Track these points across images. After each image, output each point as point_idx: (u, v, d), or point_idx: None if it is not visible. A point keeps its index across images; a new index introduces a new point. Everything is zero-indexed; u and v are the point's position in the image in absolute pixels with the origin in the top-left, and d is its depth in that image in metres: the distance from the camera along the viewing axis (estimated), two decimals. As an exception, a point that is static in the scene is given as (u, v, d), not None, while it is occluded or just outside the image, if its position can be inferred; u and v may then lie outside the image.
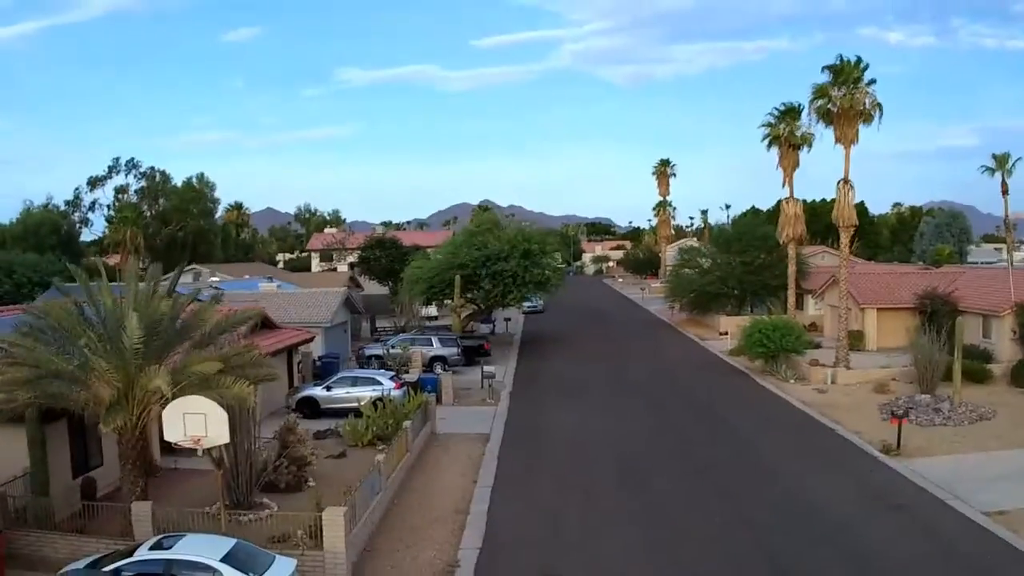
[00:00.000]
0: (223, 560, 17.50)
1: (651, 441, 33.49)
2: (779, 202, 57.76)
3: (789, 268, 58.17)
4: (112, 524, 21.46)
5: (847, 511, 24.59)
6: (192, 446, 19.21)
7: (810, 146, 55.93)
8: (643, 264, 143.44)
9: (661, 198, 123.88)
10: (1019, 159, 74.14)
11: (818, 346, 51.57)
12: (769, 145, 57.34)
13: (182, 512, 21.30)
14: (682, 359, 56.54)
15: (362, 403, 33.59)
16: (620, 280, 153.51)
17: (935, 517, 23.75)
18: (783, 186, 57.08)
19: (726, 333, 61.68)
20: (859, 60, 45.77)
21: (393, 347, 48.81)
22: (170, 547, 18.05)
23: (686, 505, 25.41)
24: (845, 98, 45.86)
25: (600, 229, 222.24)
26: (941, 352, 39.47)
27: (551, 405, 40.73)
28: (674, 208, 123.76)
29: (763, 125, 56.90)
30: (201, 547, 18.04)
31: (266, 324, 39.08)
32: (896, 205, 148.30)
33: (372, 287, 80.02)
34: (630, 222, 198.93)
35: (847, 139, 46.93)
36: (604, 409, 39.46)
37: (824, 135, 48.70)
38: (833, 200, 49.83)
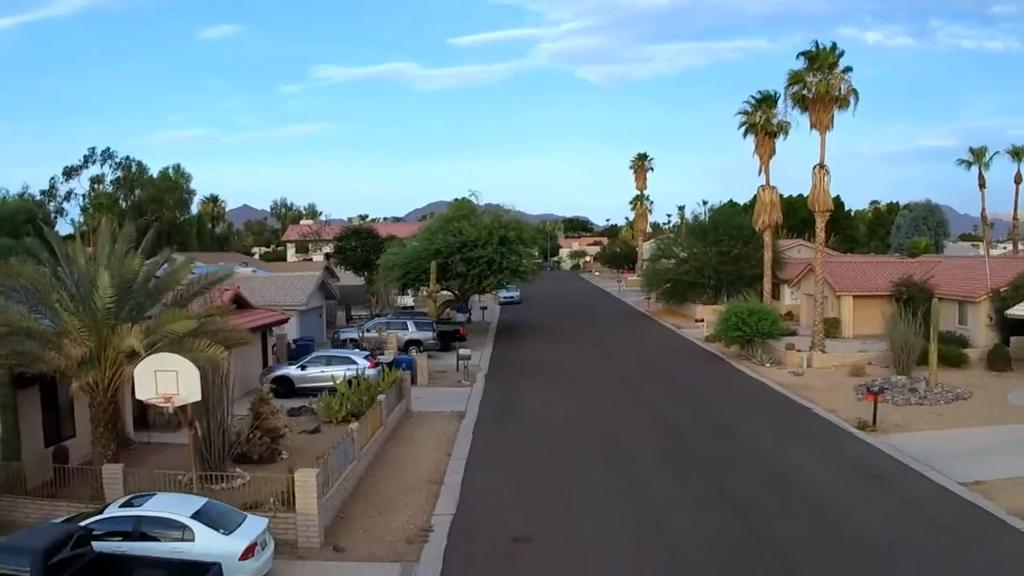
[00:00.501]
0: (193, 517, 17.28)
1: (627, 419, 33.48)
2: (756, 191, 57.27)
3: (765, 255, 58.18)
4: (83, 490, 21.26)
5: (824, 481, 24.67)
6: (163, 404, 18.97)
7: (786, 134, 56.01)
8: (620, 258, 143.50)
9: (638, 192, 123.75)
10: (996, 153, 74.90)
11: (794, 334, 51.68)
12: (745, 133, 57.36)
13: (154, 475, 21.08)
14: (658, 345, 56.63)
15: (337, 382, 33.27)
16: (597, 274, 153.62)
17: (912, 487, 23.79)
18: (759, 174, 57.12)
19: (702, 320, 61.76)
20: (834, 46, 45.95)
21: (368, 330, 48.57)
22: (140, 505, 17.78)
23: (662, 477, 25.40)
24: (821, 84, 46.00)
25: (577, 226, 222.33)
26: (917, 335, 39.52)
27: (527, 387, 40.65)
28: (651, 202, 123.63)
29: (739, 113, 56.96)
30: (171, 504, 17.84)
31: (241, 304, 38.76)
32: (874, 202, 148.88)
33: (348, 278, 79.64)
34: (607, 219, 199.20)
35: (822, 125, 47.12)
36: (580, 391, 39.39)
37: (800, 123, 49.10)
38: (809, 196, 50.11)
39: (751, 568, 18.61)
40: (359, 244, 78.26)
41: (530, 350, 53.53)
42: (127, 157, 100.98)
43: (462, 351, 44.38)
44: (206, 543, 16.73)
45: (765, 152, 56.92)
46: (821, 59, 45.83)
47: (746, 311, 47.84)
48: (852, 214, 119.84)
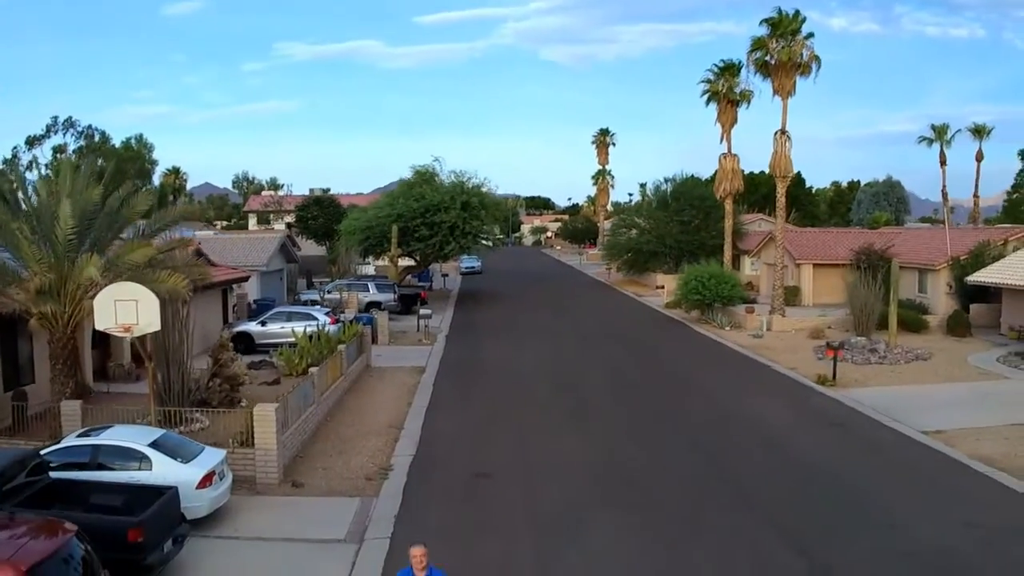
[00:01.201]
0: (150, 446, 17.09)
1: (585, 373, 33.58)
2: (718, 160, 57.45)
3: (726, 223, 58.42)
4: (43, 433, 21.00)
5: (784, 426, 24.99)
6: (122, 334, 18.70)
7: (748, 103, 56.31)
8: (581, 233, 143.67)
9: (600, 167, 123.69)
10: (958, 131, 75.43)
11: (754, 302, 52.01)
12: (708, 101, 57.60)
13: (113, 412, 20.90)
14: (618, 310, 56.85)
15: (297, 337, 33.07)
16: (559, 248, 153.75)
17: (875, 434, 24.03)
18: (721, 142, 57.34)
19: (662, 287, 62.04)
20: (797, 13, 46.17)
21: (329, 291, 48.30)
22: (97, 436, 17.58)
23: (619, 422, 25.54)
24: (783, 51, 46.29)
25: (539, 204, 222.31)
26: (877, 298, 39.86)
27: (487, 346, 40.72)
28: (613, 178, 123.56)
29: (702, 81, 57.11)
30: (128, 435, 17.67)
31: (204, 260, 38.32)
32: (835, 182, 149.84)
33: (309, 248, 79.05)
34: (569, 199, 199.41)
35: (784, 91, 47.43)
36: (539, 349, 39.42)
37: (763, 92, 49.32)
38: (772, 175, 50.40)
39: (705, 493, 18.87)
40: (320, 213, 77.63)
41: (491, 315, 53.54)
42: (89, 126, 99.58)
43: (423, 311, 44.31)
44: (163, 471, 16.56)
45: (727, 120, 57.10)
46: (784, 25, 46.06)
47: (706, 275, 48.06)
48: (813, 191, 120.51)
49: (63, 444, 17.35)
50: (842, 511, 17.68)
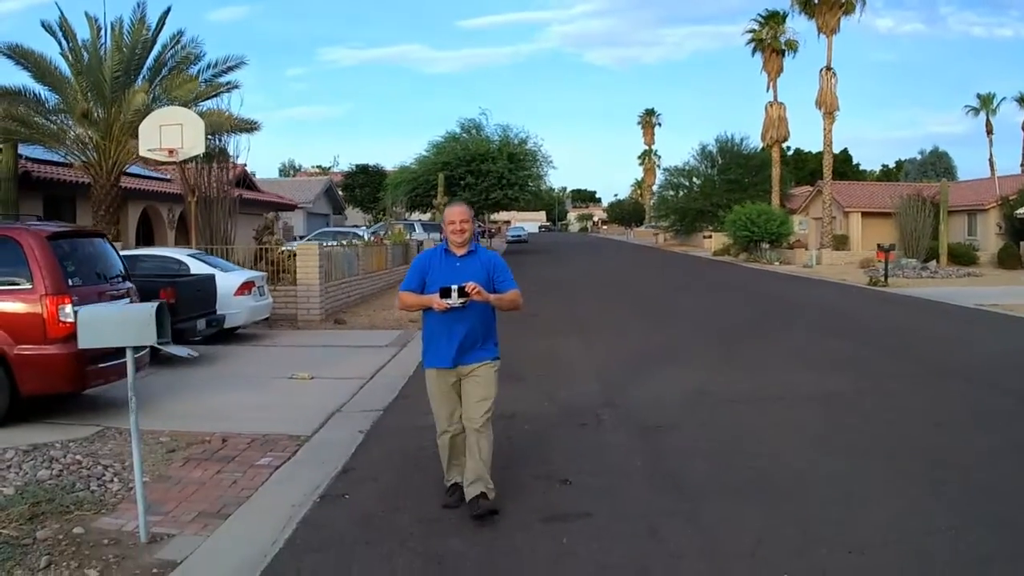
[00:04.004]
0: (190, 256, 17.17)
1: (642, 283, 33.33)
2: (764, 108, 56.90)
3: (773, 172, 57.60)
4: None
5: (839, 301, 25.15)
6: (167, 159, 18.71)
7: (795, 51, 55.73)
8: (628, 214, 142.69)
9: (647, 147, 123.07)
10: (1004, 99, 73.98)
11: (804, 247, 51.26)
12: (753, 51, 57.15)
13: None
14: (668, 260, 56.42)
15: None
16: (605, 228, 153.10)
17: (934, 308, 23.58)
18: (767, 90, 57.03)
19: (710, 236, 61.36)
20: (842, -50, 45.69)
21: (375, 232, 48.32)
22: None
23: (699, 306, 26.01)
24: (827, -14, 45.83)
25: (585, 196, 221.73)
26: (927, 217, 39.20)
27: (531, 272, 40.26)
28: (659, 157, 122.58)
29: (747, 31, 56.81)
30: (169, 250, 17.75)
31: (249, 186, 38.55)
32: (883, 165, 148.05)
33: (355, 217, 79.14)
34: (615, 195, 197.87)
35: (828, 28, 47.10)
36: (589, 274, 39.40)
37: (808, 41, 48.86)
38: (819, 153, 49.74)
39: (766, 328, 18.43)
40: (367, 181, 77.57)
41: (537, 267, 53.02)
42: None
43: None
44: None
45: (772, 69, 56.68)
46: (828, -38, 45.64)
47: (755, 212, 47.61)
48: (861, 169, 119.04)
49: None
50: (919, 342, 18.15)
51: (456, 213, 6.52)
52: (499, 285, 6.51)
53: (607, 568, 5.57)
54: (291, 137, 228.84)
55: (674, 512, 6.62)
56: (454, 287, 6.03)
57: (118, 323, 6.06)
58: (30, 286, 9.24)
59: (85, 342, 6.07)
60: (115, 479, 7.40)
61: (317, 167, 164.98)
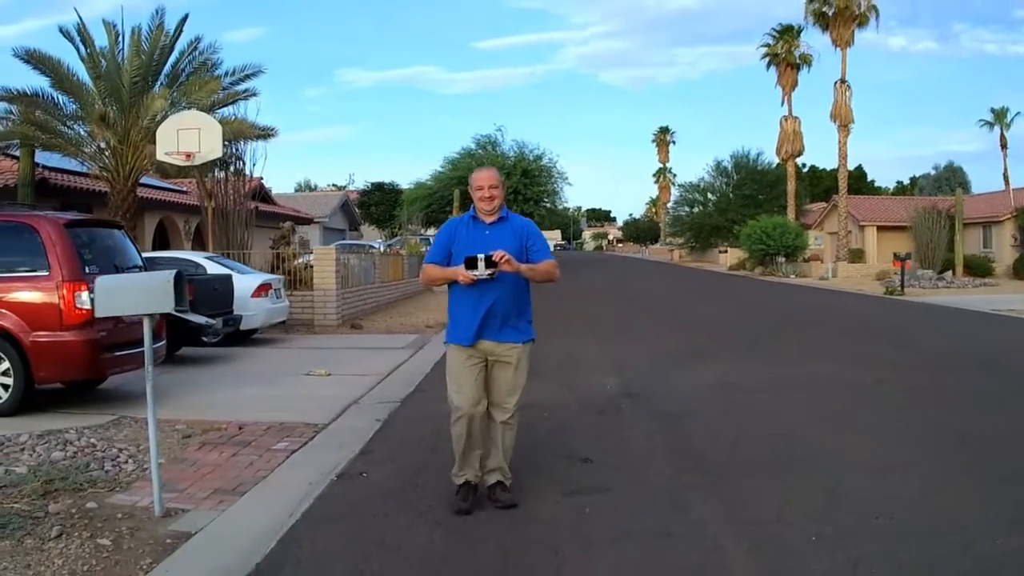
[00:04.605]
0: (206, 258, 17.18)
1: (661, 294, 33.14)
2: (779, 122, 56.81)
3: (788, 186, 57.42)
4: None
5: (864, 309, 25.00)
6: (183, 163, 18.75)
7: (809, 65, 55.80)
8: (643, 232, 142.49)
9: (661, 165, 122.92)
10: (1018, 114, 73.79)
11: (819, 260, 51.10)
12: (768, 65, 57.20)
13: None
14: (684, 274, 56.12)
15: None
16: (620, 247, 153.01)
17: (951, 313, 23.56)
18: (782, 104, 56.99)
19: (725, 251, 61.16)
20: (853, -39, 45.76)
21: (391, 245, 48.39)
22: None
23: (720, 315, 25.91)
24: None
25: (600, 216, 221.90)
26: (942, 229, 39.04)
27: (550, 297, 40.07)
28: (675, 176, 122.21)
29: (761, 46, 56.82)
30: (185, 253, 17.80)
31: (265, 199, 38.61)
32: (898, 182, 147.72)
33: (371, 235, 79.25)
34: (630, 214, 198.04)
35: (843, 41, 47.18)
36: (604, 287, 39.06)
37: (823, 56, 48.94)
38: (834, 170, 49.58)
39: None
40: (383, 198, 77.69)
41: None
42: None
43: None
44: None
45: (787, 83, 56.71)
46: (841, -27, 45.68)
47: (770, 225, 47.46)
48: (874, 184, 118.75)
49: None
50: (937, 339, 18.40)
51: (484, 178, 5.85)
52: (533, 255, 5.86)
53: (630, 534, 5.48)
54: (307, 157, 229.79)
55: (696, 486, 6.53)
56: (480, 256, 5.43)
57: (135, 291, 6.01)
58: (47, 273, 9.21)
59: (102, 310, 6.02)
60: (130, 460, 7.34)
61: (332, 185, 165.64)
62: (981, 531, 5.41)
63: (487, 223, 5.84)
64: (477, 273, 5.42)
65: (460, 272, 5.52)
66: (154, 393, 6.07)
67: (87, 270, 9.33)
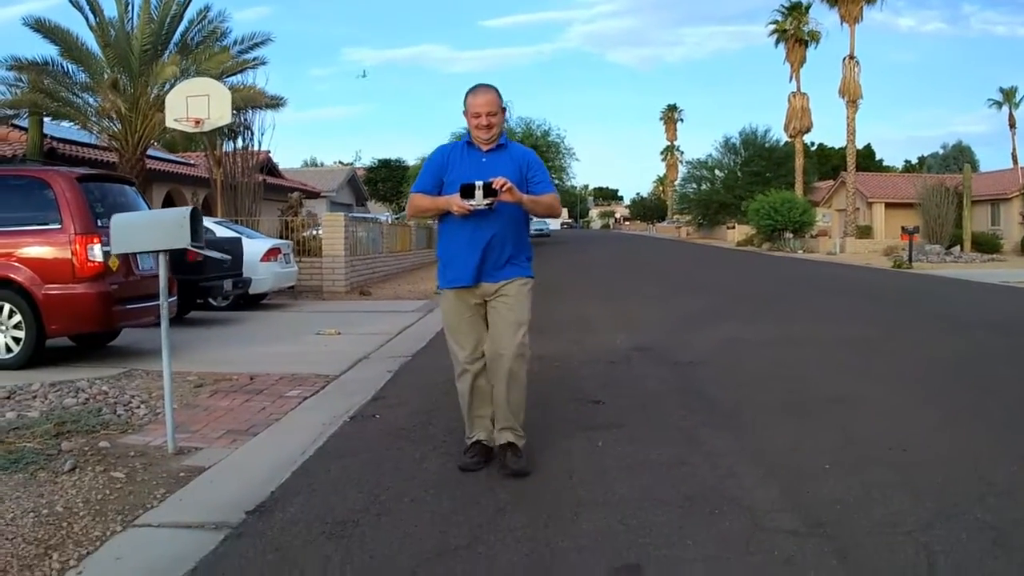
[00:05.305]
0: (215, 223, 17.18)
1: (668, 266, 33.16)
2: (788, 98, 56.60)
3: (796, 162, 57.19)
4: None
5: (870, 279, 24.81)
6: (193, 129, 18.73)
7: (817, 42, 55.52)
8: (650, 210, 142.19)
9: (669, 143, 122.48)
10: (1029, 93, 73.35)
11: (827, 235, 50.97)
12: (777, 42, 56.93)
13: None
14: (692, 250, 55.86)
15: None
16: (627, 225, 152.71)
17: (958, 283, 23.36)
18: (790, 80, 56.79)
19: (733, 227, 61.03)
20: (863, -62, 45.55)
21: (397, 218, 48.41)
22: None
23: (711, 280, 25.75)
24: (849, -27, 45.73)
25: (607, 194, 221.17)
26: (950, 204, 38.91)
27: (551, 263, 40.13)
28: (682, 153, 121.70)
29: (770, 22, 56.64)
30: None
31: (272, 172, 38.50)
32: (906, 161, 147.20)
33: (377, 211, 79.16)
34: (637, 193, 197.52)
35: (851, 17, 47.04)
36: (610, 275, 38.91)
37: (831, 34, 48.76)
38: (842, 148, 49.43)
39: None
40: (389, 175, 77.56)
41: (562, 251, 52.97)
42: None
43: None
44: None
45: (795, 59, 56.45)
46: (851, -52, 45.49)
47: (778, 200, 47.28)
48: (883, 163, 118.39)
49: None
50: (944, 304, 18.38)
51: (482, 104, 5.06)
52: (534, 187, 5.17)
53: (644, 463, 5.51)
54: (313, 135, 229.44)
55: (708, 423, 6.54)
56: (478, 183, 4.75)
57: (152, 227, 6.02)
58: (59, 226, 9.22)
59: (118, 247, 6.03)
60: (142, 406, 7.36)
61: (339, 162, 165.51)
62: (993, 462, 5.43)
63: (484, 150, 5.17)
64: (474, 203, 4.77)
65: (455, 202, 4.86)
66: (168, 329, 6.10)
67: (99, 223, 9.32)
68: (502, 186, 4.73)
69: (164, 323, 6.05)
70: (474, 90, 5.13)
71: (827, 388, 7.94)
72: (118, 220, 6.03)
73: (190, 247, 5.84)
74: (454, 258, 5.17)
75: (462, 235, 5.06)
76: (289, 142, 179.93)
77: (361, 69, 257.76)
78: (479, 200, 4.74)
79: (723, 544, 4.09)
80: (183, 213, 5.82)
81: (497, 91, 5.16)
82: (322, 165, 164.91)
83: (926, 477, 5.12)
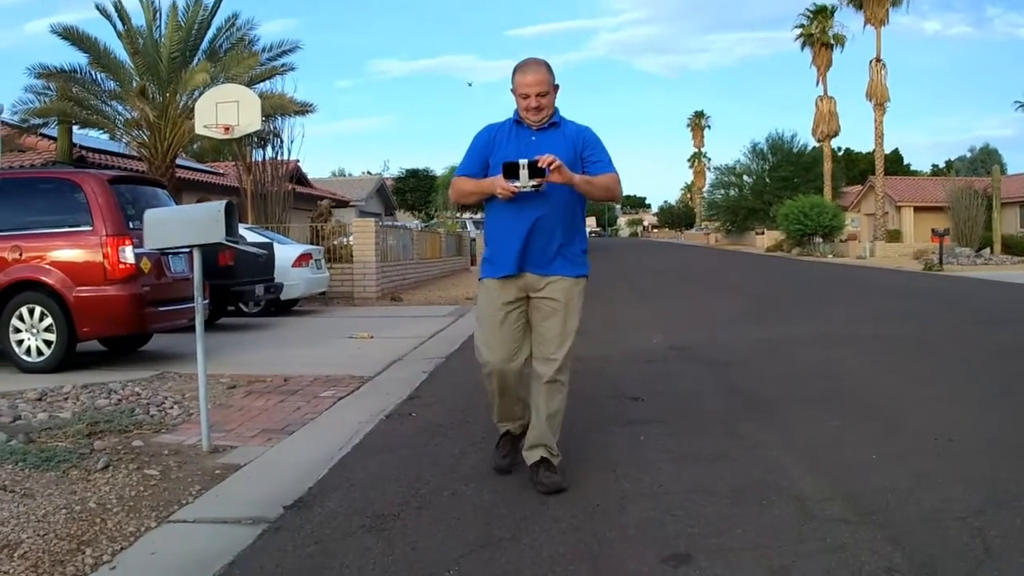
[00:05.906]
0: (246, 229, 17.16)
1: (704, 272, 33.00)
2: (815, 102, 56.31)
3: (825, 167, 56.86)
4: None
5: (904, 281, 24.52)
6: (223, 136, 18.77)
7: (843, 45, 55.26)
8: (679, 218, 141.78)
9: (696, 150, 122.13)
10: (1056, 93, 72.85)
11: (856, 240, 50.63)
12: (803, 46, 56.72)
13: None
14: (719, 255, 55.70)
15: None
16: (655, 232, 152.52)
17: (990, 284, 23.08)
18: (816, 84, 56.46)
19: (762, 233, 60.74)
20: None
21: (425, 226, 48.42)
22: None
23: (743, 284, 25.39)
24: (876, -23, 45.59)
25: (635, 203, 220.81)
26: (980, 207, 38.58)
27: (594, 272, 39.89)
28: (709, 160, 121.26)
29: (796, 27, 56.46)
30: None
31: (301, 181, 38.55)
32: (933, 165, 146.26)
33: (407, 220, 79.23)
34: (665, 200, 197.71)
35: (877, 19, 46.87)
36: (642, 278, 38.75)
37: (856, 37, 48.54)
38: (869, 153, 49.01)
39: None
40: (418, 185, 77.66)
41: (593, 257, 51.80)
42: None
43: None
44: (259, 247, 16.57)
45: (822, 63, 56.18)
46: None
47: (807, 204, 47.01)
48: (910, 167, 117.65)
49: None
50: (975, 303, 18.27)
51: (531, 83, 4.47)
52: (591, 167, 4.56)
53: (688, 455, 5.43)
54: (341, 145, 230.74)
55: (750, 417, 6.46)
56: (523, 161, 4.19)
57: (186, 221, 5.98)
58: (91, 228, 9.20)
59: (152, 242, 5.99)
60: (175, 406, 7.30)
61: (367, 172, 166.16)
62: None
63: (534, 129, 4.56)
64: (519, 184, 4.21)
65: (498, 183, 4.28)
66: (203, 323, 6.05)
67: (131, 225, 9.30)
68: (549, 164, 4.15)
69: (199, 317, 6.01)
70: (522, 66, 4.55)
71: (866, 383, 7.87)
72: (152, 215, 5.99)
73: (225, 240, 5.78)
74: (497, 246, 4.60)
75: (505, 219, 4.49)
76: (317, 153, 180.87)
77: (467, 81, 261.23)
78: (524, 181, 4.20)
79: (773, 533, 4.00)
80: (218, 207, 5.76)
81: (548, 66, 4.57)
82: (350, 175, 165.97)
83: (974, 466, 5.03)
